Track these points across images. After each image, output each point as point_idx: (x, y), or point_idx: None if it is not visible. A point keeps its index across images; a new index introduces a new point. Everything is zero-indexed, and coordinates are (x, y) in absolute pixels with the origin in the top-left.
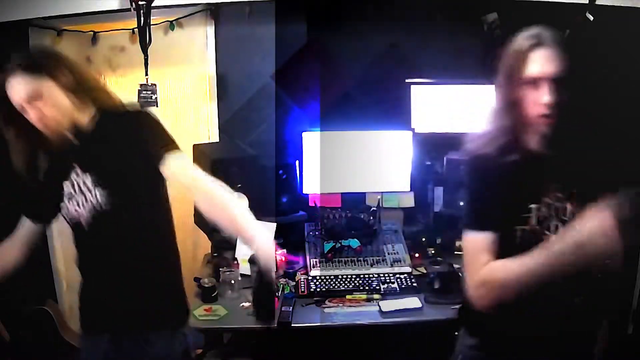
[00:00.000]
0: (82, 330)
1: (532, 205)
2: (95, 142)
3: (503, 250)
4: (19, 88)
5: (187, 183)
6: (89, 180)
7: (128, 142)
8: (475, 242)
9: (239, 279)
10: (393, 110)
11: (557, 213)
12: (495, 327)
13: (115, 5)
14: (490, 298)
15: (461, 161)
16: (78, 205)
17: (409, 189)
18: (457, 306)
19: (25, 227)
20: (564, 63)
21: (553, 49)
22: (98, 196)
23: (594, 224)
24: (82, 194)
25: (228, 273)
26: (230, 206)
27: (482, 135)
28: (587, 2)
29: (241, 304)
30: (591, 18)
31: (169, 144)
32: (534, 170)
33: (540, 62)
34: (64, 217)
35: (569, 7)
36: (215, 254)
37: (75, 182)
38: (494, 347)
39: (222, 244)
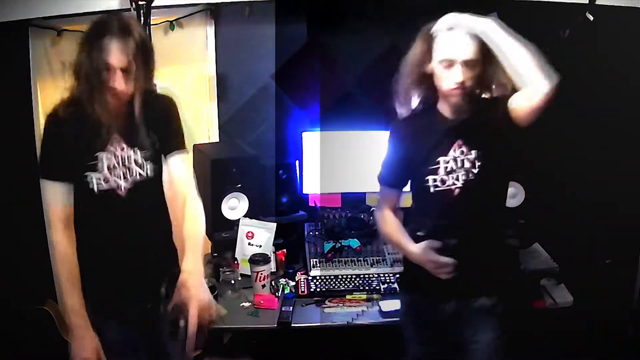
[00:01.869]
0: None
1: (441, 158)
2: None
3: (419, 195)
4: (116, 52)
5: (179, 186)
6: (138, 155)
7: (159, 122)
8: (383, 195)
9: (239, 279)
10: (393, 110)
11: (462, 164)
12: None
13: (115, 5)
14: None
15: None
16: (119, 177)
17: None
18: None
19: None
20: (474, 46)
21: (464, 34)
22: (148, 170)
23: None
24: (125, 167)
25: (228, 273)
26: (193, 231)
27: (403, 103)
28: (587, 2)
29: (241, 304)
30: (591, 18)
31: (181, 140)
32: (443, 130)
33: (452, 46)
34: (88, 185)
35: (569, 7)
36: (215, 254)
37: (117, 155)
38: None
39: (222, 244)
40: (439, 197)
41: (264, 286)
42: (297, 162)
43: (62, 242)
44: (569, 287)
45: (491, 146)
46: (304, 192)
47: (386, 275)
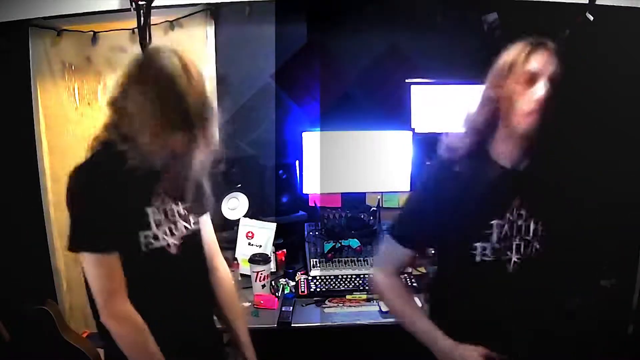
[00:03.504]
0: None
1: (495, 221)
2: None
3: (455, 264)
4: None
5: (213, 247)
6: (180, 208)
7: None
8: (391, 253)
9: (239, 279)
10: (393, 110)
11: (519, 231)
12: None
13: (115, 5)
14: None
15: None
16: (166, 233)
17: (409, 189)
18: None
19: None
20: (561, 70)
21: (552, 53)
22: (192, 221)
23: None
24: (170, 221)
25: None
26: (233, 299)
27: (455, 139)
28: (587, 2)
29: (241, 304)
30: (591, 18)
31: (209, 201)
32: (499, 183)
33: (539, 61)
34: (139, 246)
35: (569, 7)
36: None
37: (162, 209)
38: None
39: (222, 244)
40: (486, 270)
41: (264, 286)
42: (297, 162)
43: (127, 318)
44: (569, 287)
45: (557, 209)
46: (304, 192)
47: None
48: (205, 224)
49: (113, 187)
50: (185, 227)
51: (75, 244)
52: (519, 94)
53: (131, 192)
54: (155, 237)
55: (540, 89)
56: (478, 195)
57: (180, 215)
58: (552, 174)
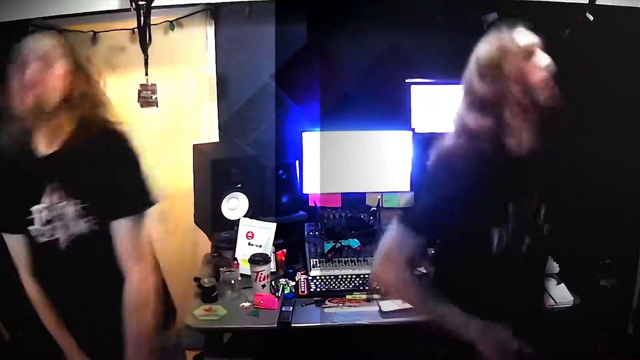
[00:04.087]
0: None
1: (510, 205)
2: (74, 163)
3: (468, 257)
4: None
5: (120, 261)
6: (71, 209)
7: (107, 171)
8: (403, 242)
9: (239, 279)
10: (393, 110)
11: (531, 215)
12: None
13: (115, 5)
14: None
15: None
16: (55, 229)
17: (409, 189)
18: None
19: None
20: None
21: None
22: (83, 224)
23: None
24: (60, 219)
25: (228, 273)
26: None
27: (456, 133)
28: (587, 2)
29: (241, 304)
30: (591, 18)
31: (131, 202)
32: (511, 167)
33: (527, 37)
34: (28, 236)
35: (569, 7)
36: (215, 254)
37: (52, 206)
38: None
39: (222, 244)
40: (501, 260)
41: (264, 286)
42: (297, 162)
43: (30, 290)
44: (569, 287)
45: (559, 192)
46: (304, 192)
47: None
48: (118, 229)
49: (9, 180)
50: (81, 227)
51: None
52: (524, 71)
53: (22, 187)
54: (42, 233)
55: (543, 58)
56: (493, 181)
57: (75, 213)
58: (565, 157)
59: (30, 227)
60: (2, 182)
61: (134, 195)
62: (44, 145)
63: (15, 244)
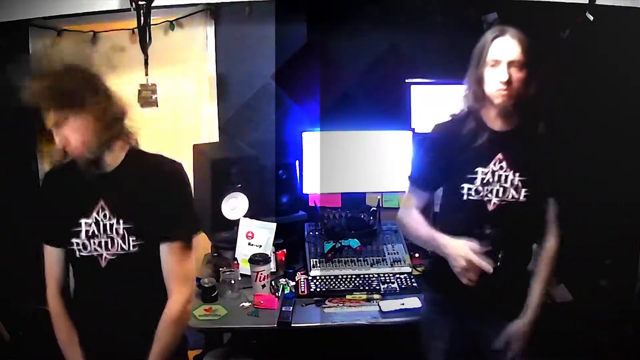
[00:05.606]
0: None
1: (479, 169)
2: (124, 184)
3: (450, 201)
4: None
5: (166, 281)
6: (119, 227)
7: (157, 195)
8: (412, 196)
9: (239, 279)
10: (393, 110)
11: (499, 179)
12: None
13: (115, 5)
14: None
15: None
16: (100, 245)
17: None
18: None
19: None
20: (523, 50)
21: (512, 39)
22: (130, 242)
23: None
24: (106, 235)
25: (228, 273)
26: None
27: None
28: (587, 2)
29: (241, 304)
30: (591, 18)
31: (177, 227)
32: (486, 141)
33: (499, 48)
34: (73, 250)
35: (569, 7)
36: (215, 254)
37: (99, 222)
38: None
39: (222, 244)
40: (470, 206)
41: (264, 286)
42: (297, 162)
43: (53, 305)
44: (569, 287)
45: (532, 165)
46: (304, 192)
47: (386, 275)
48: (166, 253)
49: (61, 193)
50: (122, 247)
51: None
52: (487, 77)
53: (72, 200)
54: (85, 247)
55: (502, 74)
56: (470, 149)
57: (118, 233)
58: (531, 136)
59: (75, 240)
60: (54, 196)
61: (186, 222)
62: (99, 166)
63: (54, 258)
